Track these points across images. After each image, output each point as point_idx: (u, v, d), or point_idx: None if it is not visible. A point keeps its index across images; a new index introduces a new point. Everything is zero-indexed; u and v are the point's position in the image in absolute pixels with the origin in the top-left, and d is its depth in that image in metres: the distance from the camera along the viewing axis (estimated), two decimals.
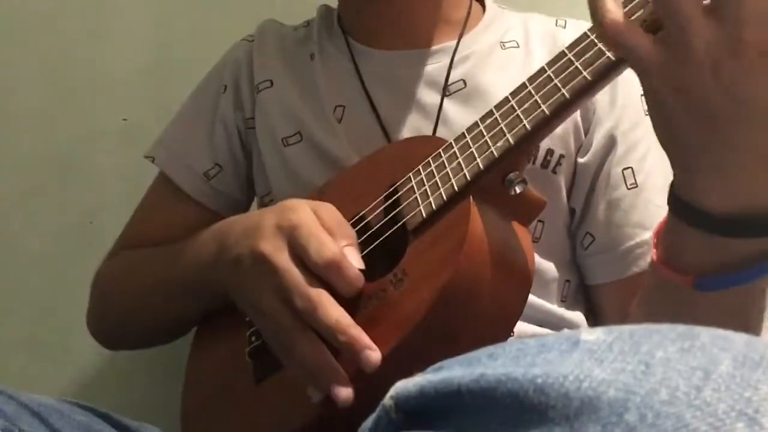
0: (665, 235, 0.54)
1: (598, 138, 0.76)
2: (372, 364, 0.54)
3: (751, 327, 0.54)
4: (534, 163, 0.75)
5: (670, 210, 0.52)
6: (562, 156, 0.76)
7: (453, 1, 0.83)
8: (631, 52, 0.47)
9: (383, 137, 0.78)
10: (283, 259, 0.60)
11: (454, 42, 0.81)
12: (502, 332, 0.59)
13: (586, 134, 0.77)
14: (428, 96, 0.79)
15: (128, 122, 1.11)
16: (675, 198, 0.51)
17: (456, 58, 0.80)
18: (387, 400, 0.41)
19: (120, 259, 0.88)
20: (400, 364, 0.53)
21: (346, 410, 0.55)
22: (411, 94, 0.79)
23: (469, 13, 0.83)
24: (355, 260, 0.60)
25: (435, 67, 0.80)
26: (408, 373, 0.42)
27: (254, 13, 1.07)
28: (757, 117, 0.45)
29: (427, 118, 0.78)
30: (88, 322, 0.90)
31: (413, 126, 0.77)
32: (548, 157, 0.75)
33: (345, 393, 0.55)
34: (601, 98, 0.76)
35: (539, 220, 0.75)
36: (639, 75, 0.48)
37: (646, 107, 0.77)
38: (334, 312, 0.57)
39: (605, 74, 0.53)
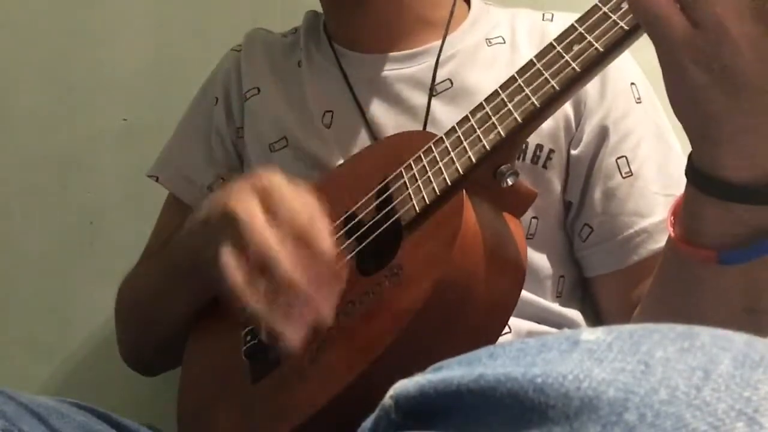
0: (683, 211, 0.54)
1: (590, 129, 0.76)
2: (321, 310, 0.55)
3: (762, 308, 0.54)
4: (523, 159, 0.75)
5: (688, 183, 0.52)
6: (552, 151, 0.76)
7: (435, 2, 0.83)
8: (657, 24, 0.46)
9: (372, 140, 0.78)
10: (249, 208, 0.59)
11: (439, 42, 0.81)
12: (498, 324, 0.59)
13: (577, 127, 0.77)
14: (415, 97, 0.79)
15: (128, 122, 1.11)
16: (694, 170, 0.51)
17: (441, 58, 0.80)
18: (387, 399, 0.41)
19: (130, 274, 0.88)
20: (398, 358, 0.54)
21: (345, 408, 0.55)
22: (398, 96, 0.80)
23: (452, 11, 0.83)
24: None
25: (421, 67, 0.80)
26: (406, 367, 0.42)
27: (254, 14, 1.07)
28: None
29: (416, 120, 0.78)
30: (121, 351, 0.89)
31: (402, 128, 0.77)
32: (538, 153, 0.76)
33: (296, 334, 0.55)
34: (592, 90, 0.76)
35: (533, 217, 0.75)
36: (661, 49, 0.47)
37: (637, 96, 0.77)
38: (287, 264, 0.56)
39: (594, 65, 0.54)
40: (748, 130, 0.47)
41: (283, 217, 0.58)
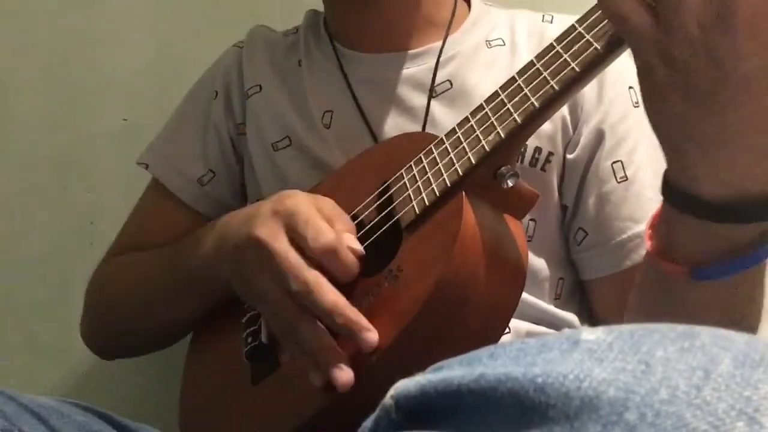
0: (660, 225, 0.54)
1: (586, 133, 0.76)
2: (370, 344, 0.55)
3: (746, 320, 0.54)
4: (522, 161, 0.75)
5: (664, 199, 0.52)
6: (550, 153, 0.76)
7: (437, 2, 0.83)
8: (625, 21, 0.46)
9: (372, 141, 0.78)
10: (279, 243, 0.60)
11: (440, 43, 0.81)
12: (498, 325, 0.59)
13: (574, 130, 0.77)
14: (415, 98, 0.79)
15: (128, 122, 1.11)
16: (669, 186, 0.51)
17: (442, 59, 0.80)
18: (387, 399, 0.41)
19: (115, 265, 0.88)
20: (397, 359, 0.54)
21: (345, 408, 0.55)
22: (398, 96, 0.79)
23: (454, 12, 0.83)
24: (353, 243, 0.60)
25: (421, 68, 0.80)
26: (406, 368, 0.42)
27: (254, 14, 1.07)
28: (750, 94, 0.44)
29: (415, 120, 0.78)
30: (82, 330, 0.89)
31: (401, 128, 0.77)
32: (536, 155, 0.76)
33: (345, 376, 0.55)
34: (589, 93, 0.76)
35: (531, 219, 0.75)
36: (631, 46, 0.47)
37: (635, 100, 0.77)
38: (330, 295, 0.57)
39: (593, 66, 0.54)
40: (717, 143, 0.46)
41: (311, 243, 0.59)
